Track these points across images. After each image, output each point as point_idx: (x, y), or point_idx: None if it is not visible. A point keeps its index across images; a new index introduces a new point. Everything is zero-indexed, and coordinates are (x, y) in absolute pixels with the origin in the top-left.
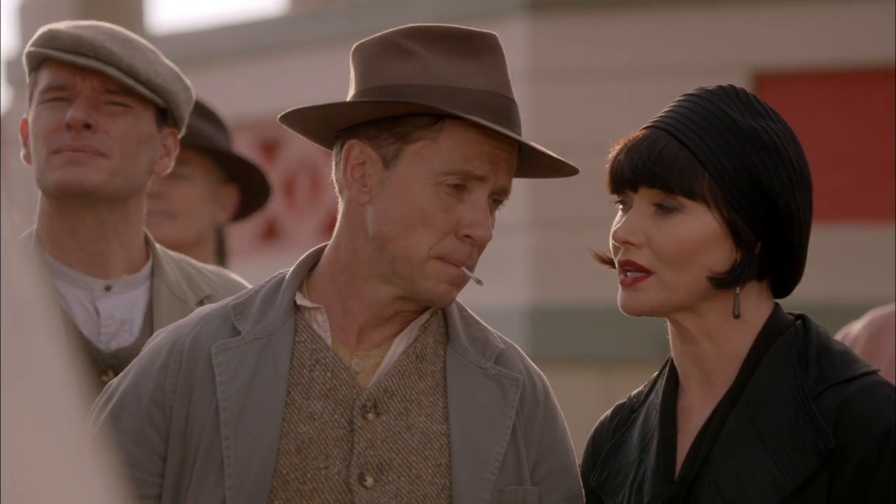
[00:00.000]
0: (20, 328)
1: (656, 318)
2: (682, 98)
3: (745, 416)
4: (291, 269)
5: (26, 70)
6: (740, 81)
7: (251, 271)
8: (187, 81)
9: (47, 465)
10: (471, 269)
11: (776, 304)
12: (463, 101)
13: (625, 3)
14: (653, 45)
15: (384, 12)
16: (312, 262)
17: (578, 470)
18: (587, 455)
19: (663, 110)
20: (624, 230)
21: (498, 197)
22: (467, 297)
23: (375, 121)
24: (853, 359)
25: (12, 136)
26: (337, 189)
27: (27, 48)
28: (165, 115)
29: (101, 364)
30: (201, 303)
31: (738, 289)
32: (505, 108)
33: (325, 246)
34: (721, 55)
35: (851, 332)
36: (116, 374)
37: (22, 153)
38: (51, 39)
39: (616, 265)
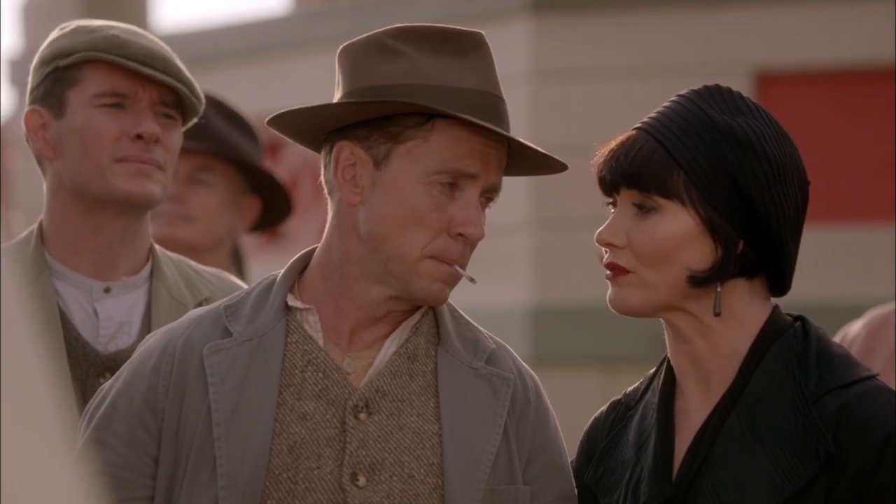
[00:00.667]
0: (3, 333)
1: (658, 319)
2: (670, 99)
3: (743, 418)
4: (283, 270)
5: (50, 63)
6: (742, 82)
7: (253, 272)
8: None
9: (27, 473)
10: (463, 267)
11: (776, 305)
12: (453, 99)
13: (627, 3)
14: (655, 46)
15: (387, 13)
16: (303, 263)
17: (571, 469)
18: (582, 451)
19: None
20: (606, 233)
21: (489, 195)
22: (469, 298)
23: (365, 121)
24: (853, 362)
25: (17, 139)
26: (326, 190)
27: (72, 45)
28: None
29: (99, 366)
30: (200, 305)
31: (718, 286)
32: (494, 106)
33: (316, 247)
34: (723, 56)
35: (851, 332)
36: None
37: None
38: (119, 47)
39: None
